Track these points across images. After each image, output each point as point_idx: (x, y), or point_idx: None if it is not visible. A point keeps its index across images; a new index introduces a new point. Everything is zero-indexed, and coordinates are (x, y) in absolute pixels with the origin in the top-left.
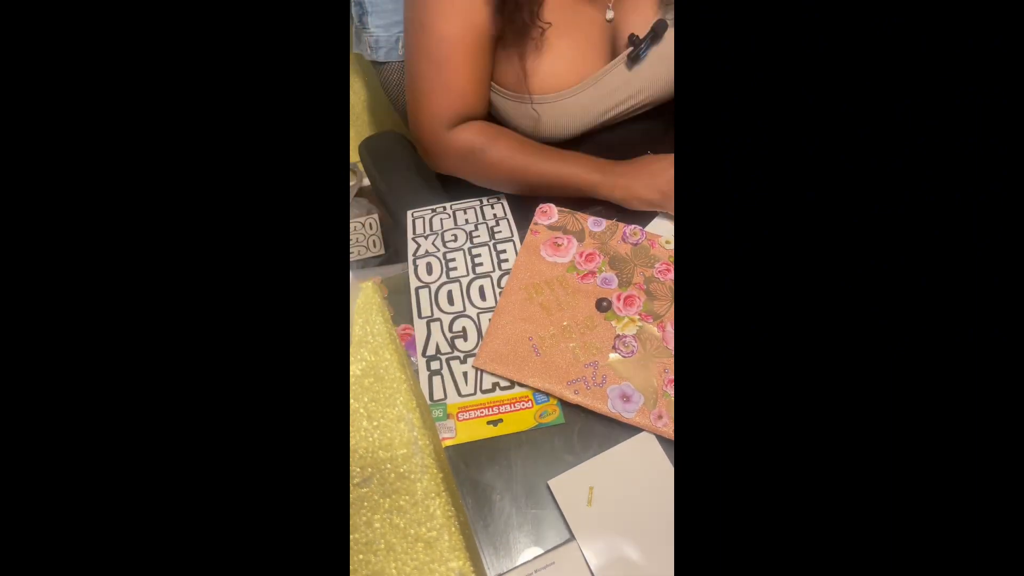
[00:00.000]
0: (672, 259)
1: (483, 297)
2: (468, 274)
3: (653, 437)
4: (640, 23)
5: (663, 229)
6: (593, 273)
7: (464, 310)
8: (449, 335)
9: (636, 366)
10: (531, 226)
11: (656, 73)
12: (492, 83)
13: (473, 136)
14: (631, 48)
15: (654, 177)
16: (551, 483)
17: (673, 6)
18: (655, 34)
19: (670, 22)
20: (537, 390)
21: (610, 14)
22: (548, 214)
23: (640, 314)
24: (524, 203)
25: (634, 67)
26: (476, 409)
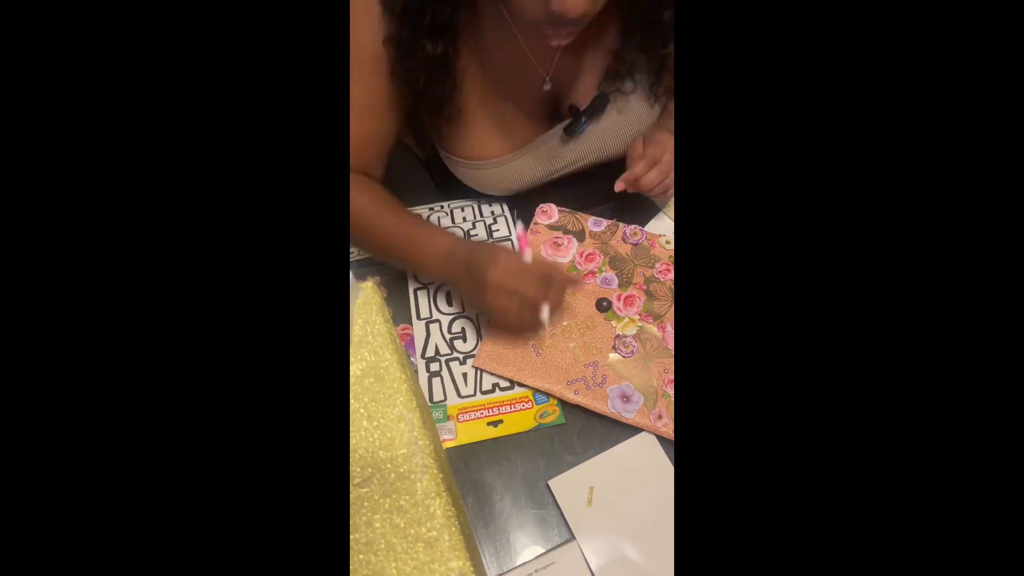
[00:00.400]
0: (672, 259)
1: None
2: None
3: (653, 437)
4: (581, 94)
5: (664, 228)
6: (593, 273)
7: (463, 311)
8: (448, 336)
9: (636, 366)
10: (531, 225)
11: (598, 140)
12: (438, 144)
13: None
14: (569, 121)
15: (474, 285)
16: (551, 483)
17: (615, 78)
18: (594, 110)
19: (609, 91)
20: (537, 390)
21: (548, 85)
22: (548, 214)
23: (640, 314)
24: (524, 203)
25: (569, 141)
26: (476, 410)
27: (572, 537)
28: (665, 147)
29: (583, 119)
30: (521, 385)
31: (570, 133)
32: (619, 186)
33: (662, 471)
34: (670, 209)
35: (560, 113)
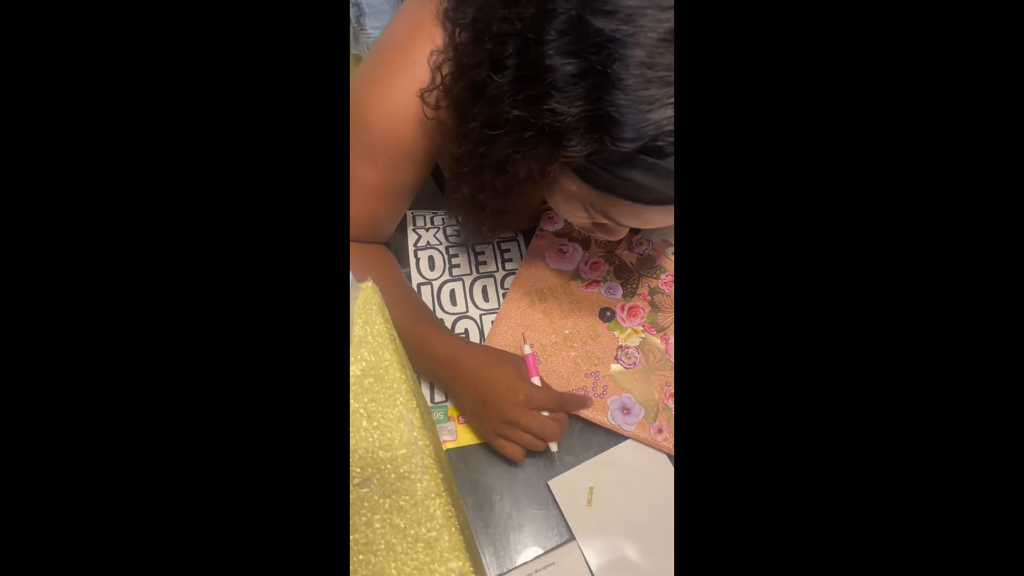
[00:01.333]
0: None
1: (486, 298)
2: (472, 273)
3: None
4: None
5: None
6: (598, 282)
7: (467, 311)
8: None
9: (638, 378)
10: (537, 231)
11: None
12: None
13: (357, 254)
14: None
15: (479, 395)
16: (551, 483)
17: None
18: None
19: None
20: None
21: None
22: (555, 220)
23: (644, 325)
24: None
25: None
26: None
27: (572, 537)
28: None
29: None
30: None
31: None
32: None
33: (662, 471)
34: None
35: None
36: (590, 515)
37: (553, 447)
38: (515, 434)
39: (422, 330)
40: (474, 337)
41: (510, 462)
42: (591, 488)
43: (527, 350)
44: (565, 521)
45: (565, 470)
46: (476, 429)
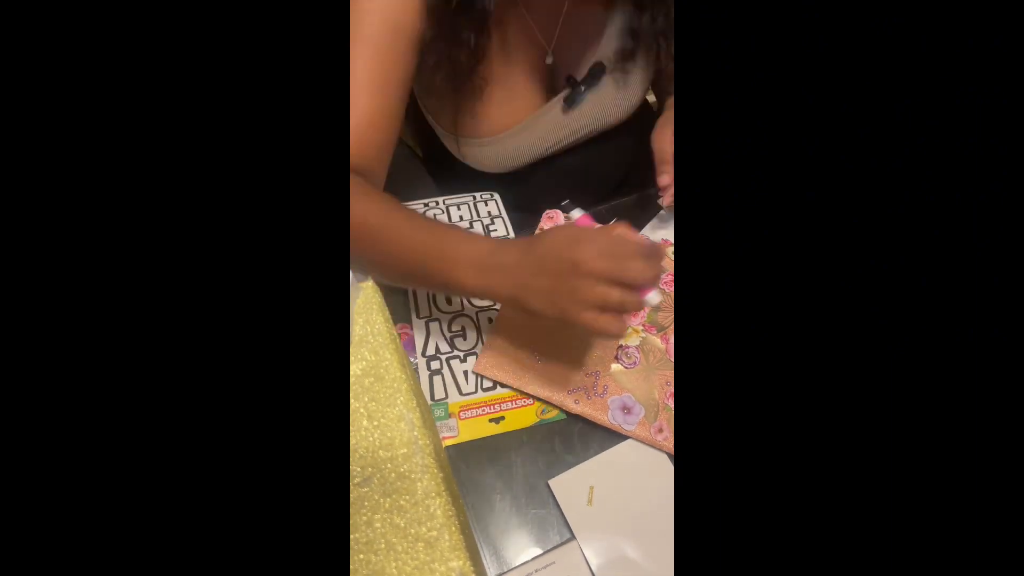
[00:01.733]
0: None
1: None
2: None
3: None
4: (581, 66)
5: (665, 228)
6: None
7: (463, 309)
8: (448, 334)
9: (638, 377)
10: (537, 231)
11: (597, 111)
12: (434, 122)
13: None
14: (568, 91)
15: (542, 270)
16: (551, 482)
17: (614, 50)
18: (592, 77)
19: (608, 63)
20: (537, 398)
21: (550, 58)
22: (555, 220)
23: (644, 325)
24: (520, 203)
25: (570, 110)
26: (478, 407)
27: (572, 537)
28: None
29: (581, 88)
30: (522, 393)
31: (569, 103)
32: (667, 200)
33: (662, 470)
34: (670, 208)
35: (558, 87)
36: (590, 515)
37: (654, 299)
38: (606, 294)
39: (435, 235)
40: (471, 335)
41: (612, 337)
42: (591, 487)
43: (576, 214)
44: (565, 521)
45: (565, 470)
46: (561, 316)
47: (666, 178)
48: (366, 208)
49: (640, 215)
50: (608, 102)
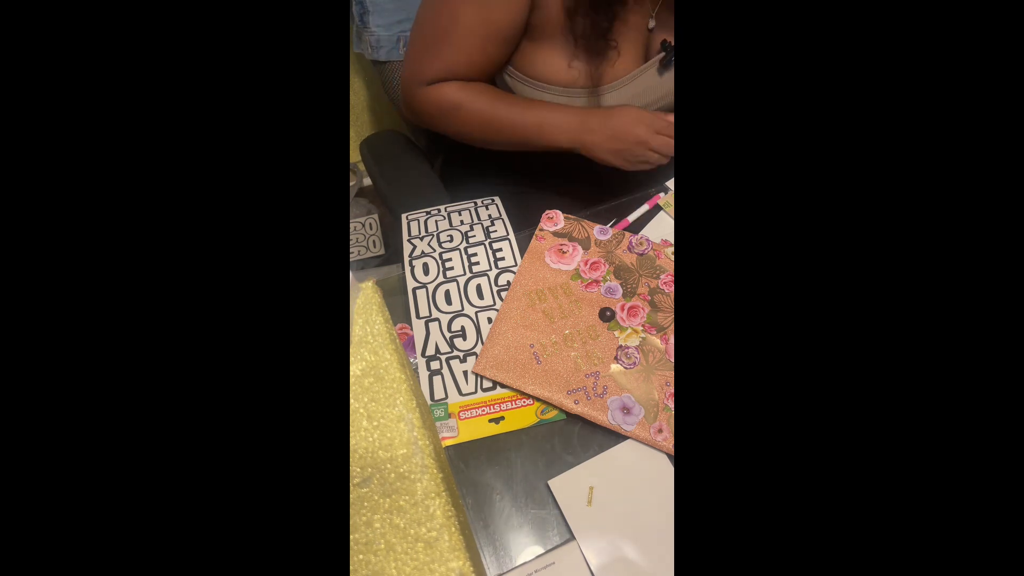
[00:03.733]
0: None
1: (480, 296)
2: (465, 273)
3: None
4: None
5: (664, 228)
6: (597, 282)
7: (462, 309)
8: (448, 335)
9: (638, 378)
10: (536, 231)
11: None
12: (529, 78)
13: (452, 92)
14: (663, 53)
15: (616, 137)
16: (551, 483)
17: None
18: None
19: None
20: (536, 398)
21: (652, 23)
22: (554, 220)
23: (644, 325)
24: (517, 204)
25: (664, 73)
26: (478, 407)
27: (572, 537)
28: None
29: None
30: (521, 393)
31: (665, 66)
32: None
33: (662, 471)
34: (670, 208)
35: (651, 53)
36: (590, 515)
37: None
38: (646, 154)
39: (538, 114)
40: (471, 335)
41: (654, 163)
42: (591, 488)
43: None
44: (565, 521)
45: (565, 470)
46: (615, 161)
47: None
48: (479, 101)
49: (641, 216)
50: None
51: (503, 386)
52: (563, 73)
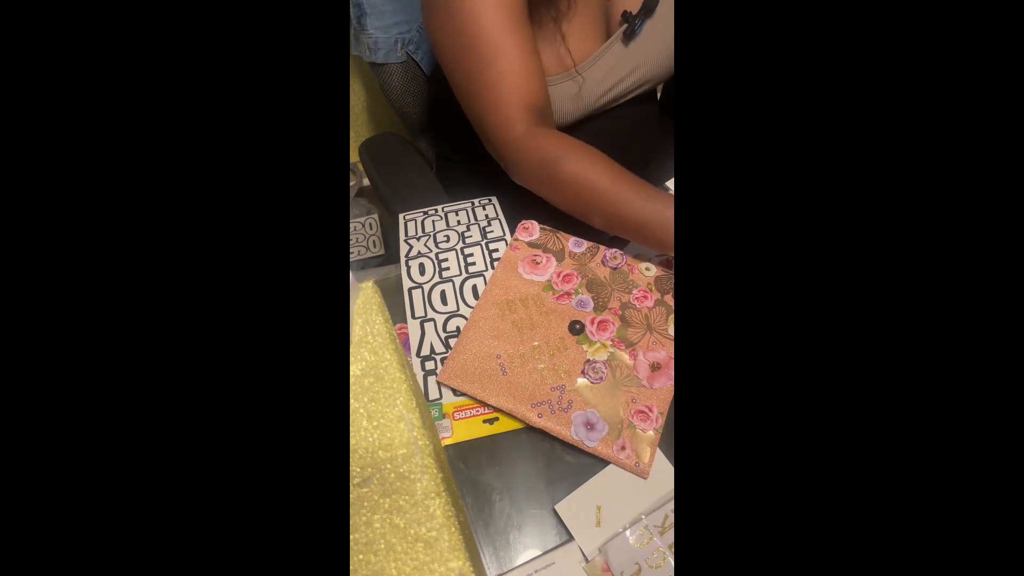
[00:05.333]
0: (651, 287)
1: (476, 296)
2: (461, 273)
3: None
4: (634, 2)
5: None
6: (569, 294)
7: (458, 309)
8: (443, 335)
9: (604, 393)
10: (512, 241)
11: (651, 49)
12: None
13: (549, 143)
14: (625, 25)
15: None
16: (558, 508)
17: None
18: (647, 9)
19: None
20: (500, 410)
21: None
22: (530, 231)
23: (613, 340)
24: (517, 205)
25: (630, 43)
26: (472, 408)
27: (572, 537)
28: None
29: (639, 18)
30: (484, 404)
31: (629, 35)
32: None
33: (664, 475)
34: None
35: (612, 28)
36: (601, 535)
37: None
38: None
39: (659, 208)
40: None
41: None
42: (599, 507)
43: None
44: (580, 548)
45: (564, 470)
46: None
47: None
48: (593, 171)
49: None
50: (667, 39)
51: (463, 395)
52: (555, 61)
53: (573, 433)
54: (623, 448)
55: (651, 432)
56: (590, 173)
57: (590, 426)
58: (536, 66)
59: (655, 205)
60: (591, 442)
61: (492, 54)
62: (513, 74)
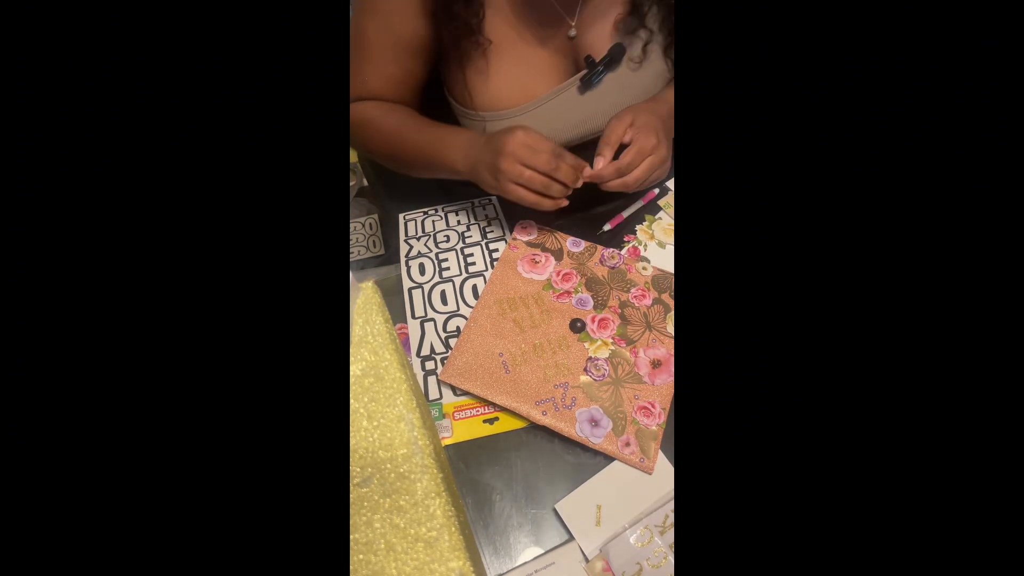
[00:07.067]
0: (648, 285)
1: (476, 296)
2: (461, 273)
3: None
4: (603, 45)
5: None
6: (569, 293)
7: (458, 309)
8: (443, 335)
9: (607, 390)
10: (509, 240)
11: (612, 100)
12: (455, 103)
13: (367, 109)
14: (584, 72)
15: (492, 157)
16: (558, 507)
17: (634, 31)
18: (611, 59)
19: (631, 48)
20: (504, 409)
21: (573, 31)
22: (528, 230)
23: (614, 338)
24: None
25: (586, 92)
26: (472, 408)
27: (572, 537)
28: (640, 151)
29: (600, 69)
30: (487, 403)
31: (586, 84)
32: (588, 174)
33: (665, 475)
34: (670, 208)
35: (580, 66)
36: (601, 535)
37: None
38: (527, 176)
39: (438, 132)
40: None
41: (533, 206)
42: (599, 507)
43: None
44: (580, 548)
45: (564, 469)
46: (496, 189)
47: (600, 161)
48: (393, 120)
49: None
50: (628, 89)
51: (467, 394)
52: (477, 95)
53: (578, 430)
54: (627, 444)
55: (655, 427)
56: (390, 127)
57: (594, 423)
58: (389, 86)
59: (434, 131)
60: (596, 439)
61: (359, 51)
62: (363, 78)
